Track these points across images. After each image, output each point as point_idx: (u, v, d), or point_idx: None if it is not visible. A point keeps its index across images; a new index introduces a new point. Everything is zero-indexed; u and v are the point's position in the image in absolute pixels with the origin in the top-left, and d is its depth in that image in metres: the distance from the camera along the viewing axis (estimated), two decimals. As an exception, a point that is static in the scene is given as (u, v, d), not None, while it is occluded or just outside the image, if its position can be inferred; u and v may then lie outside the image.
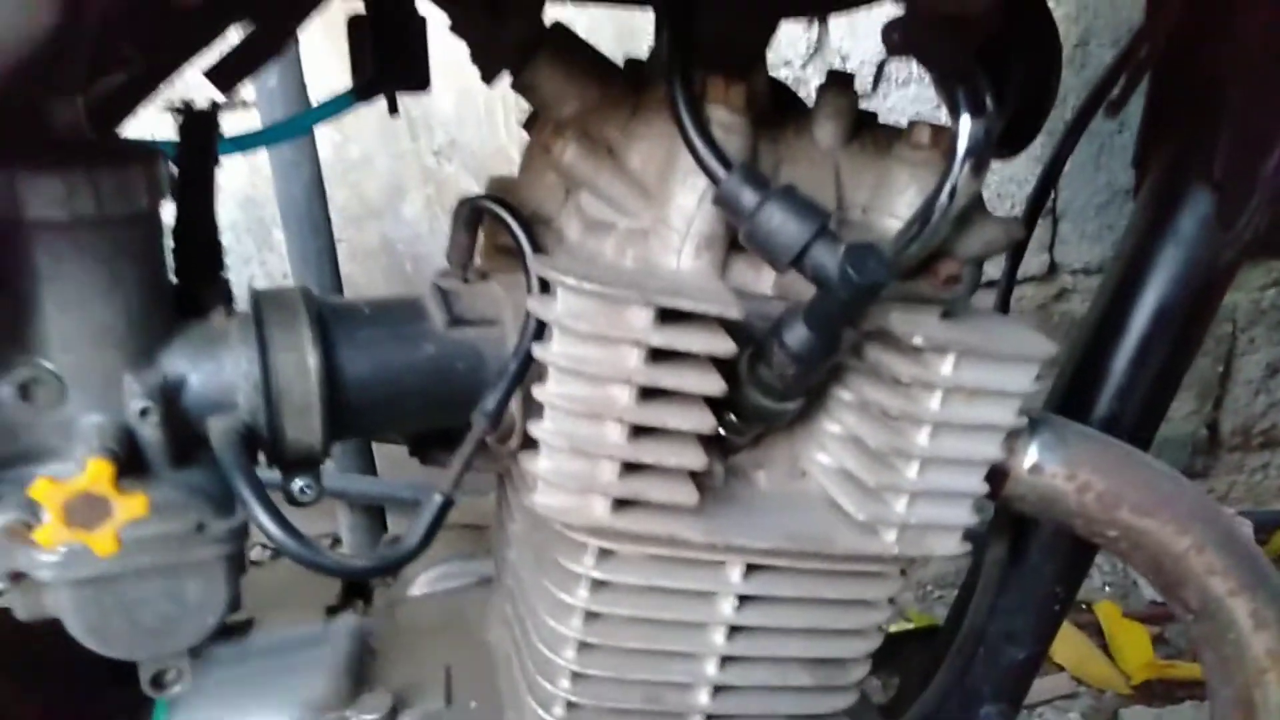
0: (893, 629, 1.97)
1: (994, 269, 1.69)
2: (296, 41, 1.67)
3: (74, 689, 0.75)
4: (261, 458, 0.61)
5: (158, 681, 0.56)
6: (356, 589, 0.91)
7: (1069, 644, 1.88)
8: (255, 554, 1.90)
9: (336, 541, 1.90)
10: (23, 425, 0.52)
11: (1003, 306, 0.92)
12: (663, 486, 0.59)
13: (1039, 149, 1.97)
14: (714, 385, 0.58)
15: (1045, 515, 0.70)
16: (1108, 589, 2.12)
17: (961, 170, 0.56)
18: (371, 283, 1.97)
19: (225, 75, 0.65)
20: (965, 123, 0.56)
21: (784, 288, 0.63)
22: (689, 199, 0.59)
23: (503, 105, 1.89)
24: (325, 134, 1.86)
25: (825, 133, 0.65)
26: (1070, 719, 1.83)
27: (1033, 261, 2.11)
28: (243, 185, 1.94)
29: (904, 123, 0.65)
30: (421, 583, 0.88)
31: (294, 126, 0.79)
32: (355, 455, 1.86)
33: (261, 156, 1.77)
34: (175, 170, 0.62)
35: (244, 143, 0.78)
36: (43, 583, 0.52)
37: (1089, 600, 2.04)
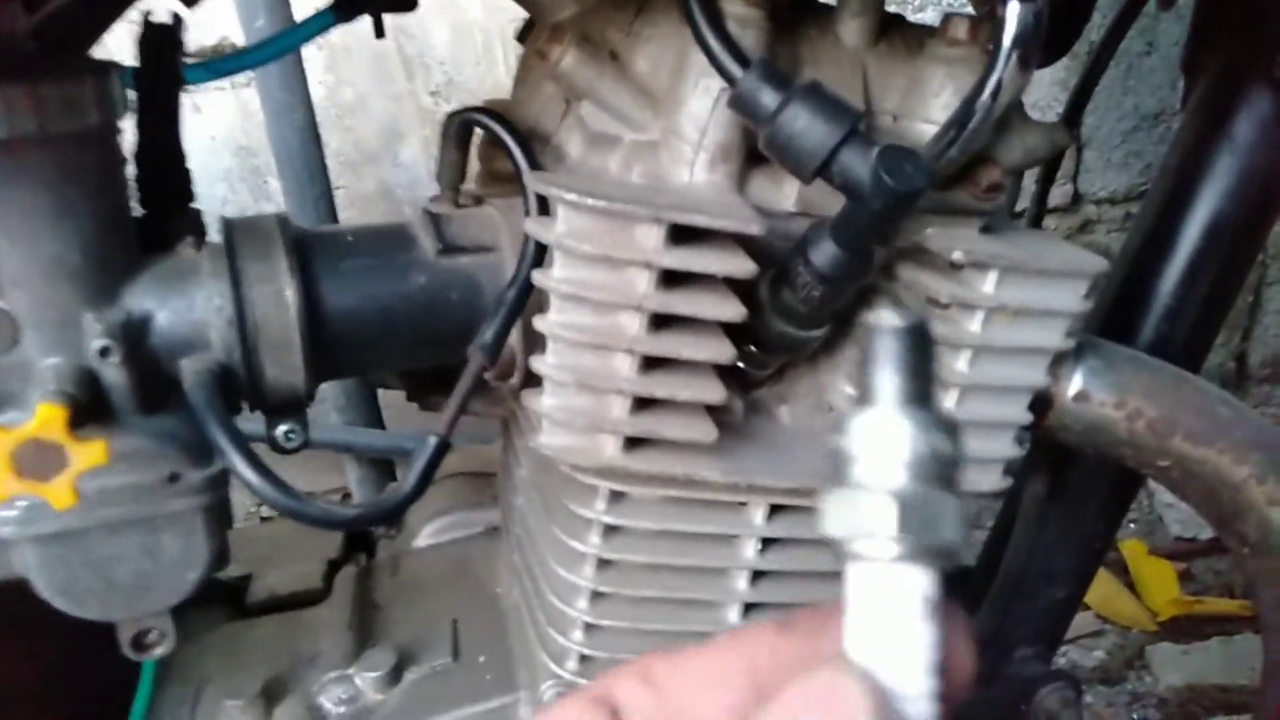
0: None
1: (1024, 198, 1.62)
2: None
3: (72, 649, 0.72)
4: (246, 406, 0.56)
5: (138, 643, 0.52)
6: (359, 542, 0.87)
7: (1094, 582, 1.85)
8: (266, 510, 1.88)
9: (346, 496, 1.88)
10: (-25, 370, 0.48)
11: (1037, 219, 0.86)
12: (678, 423, 0.54)
13: (1061, 71, 1.88)
14: (732, 310, 0.52)
15: (1091, 446, 0.65)
16: (1132, 525, 2.08)
17: (1008, 62, 0.50)
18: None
19: (187, -16, 0.59)
20: (1013, 7, 0.49)
21: (808, 203, 0.57)
22: (702, 104, 0.53)
23: (501, 41, 1.82)
24: (318, 76, 1.79)
25: (850, 31, 0.59)
26: (1096, 657, 1.81)
27: (1056, 192, 2.03)
28: (235, 133, 1.87)
29: (937, 22, 0.58)
30: (426, 534, 0.84)
31: (271, 48, 0.72)
32: (361, 408, 1.82)
33: (254, 102, 1.70)
34: (136, 92, 0.57)
35: (218, 67, 0.72)
36: (6, 540, 0.48)
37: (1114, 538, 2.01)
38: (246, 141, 1.87)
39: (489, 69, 1.83)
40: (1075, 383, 0.63)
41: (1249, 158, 0.71)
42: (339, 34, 1.89)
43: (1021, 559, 0.72)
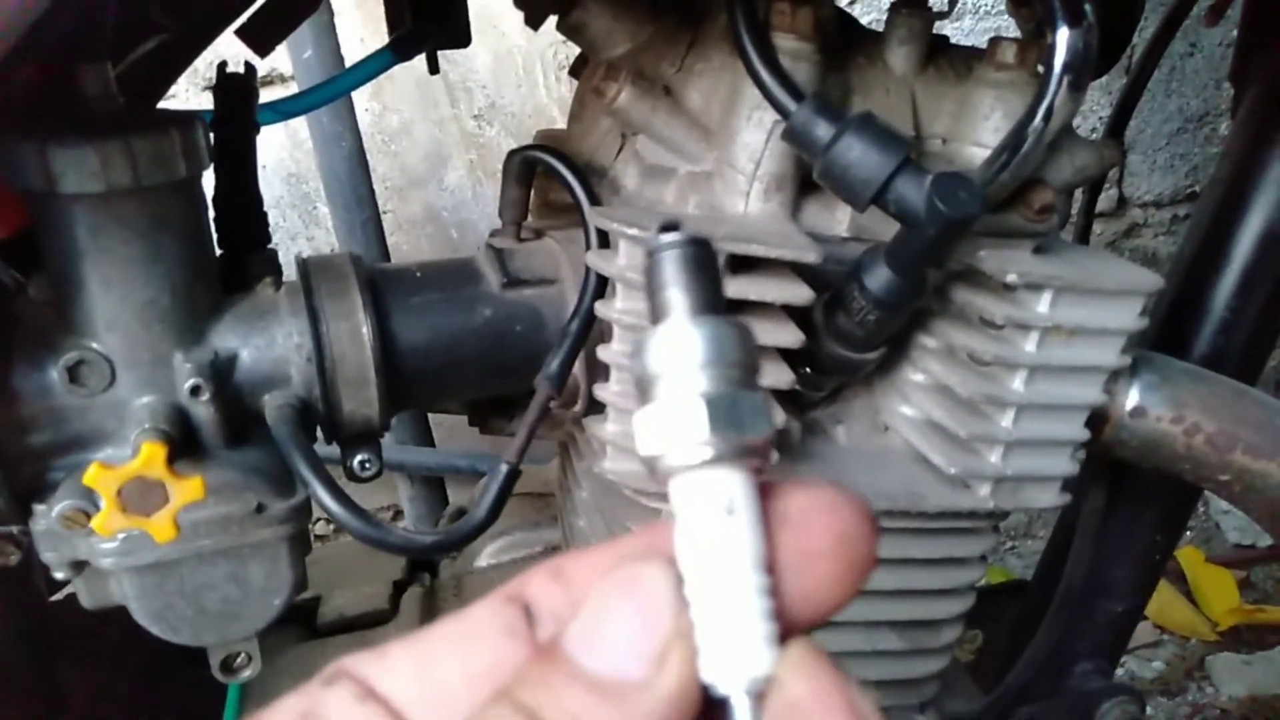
0: (984, 586, 1.93)
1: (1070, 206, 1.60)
2: (330, 10, 1.64)
3: (149, 674, 0.75)
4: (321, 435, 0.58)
5: (227, 666, 0.55)
6: (423, 563, 0.89)
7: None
8: (319, 528, 1.92)
9: (398, 514, 1.91)
10: (74, 410, 0.50)
11: (1082, 243, 0.86)
12: (740, 447, 0.56)
13: (1105, 76, 1.87)
14: (791, 336, 0.54)
15: (1149, 461, 0.65)
16: (1189, 533, 2.05)
17: (1059, 87, 0.51)
18: (418, 252, 1.95)
19: (259, 35, 0.62)
20: (1063, 33, 0.50)
21: (860, 228, 0.58)
22: (756, 136, 0.55)
23: (541, 64, 1.85)
24: (364, 104, 1.83)
25: (898, 58, 0.60)
26: (1155, 668, 1.78)
27: (1101, 197, 2.01)
28: (285, 160, 1.92)
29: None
30: (487, 554, 0.86)
31: (333, 88, 0.75)
32: (412, 427, 1.85)
33: (302, 131, 1.75)
34: (214, 139, 0.60)
35: (285, 109, 0.75)
36: (105, 570, 0.51)
37: (1169, 546, 1.97)
38: (296, 169, 1.92)
39: (530, 92, 1.87)
40: (1132, 398, 0.63)
41: (1302, 168, 0.70)
42: (385, 63, 1.93)
43: (1081, 573, 0.72)
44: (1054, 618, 0.70)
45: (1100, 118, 1.91)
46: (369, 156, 1.70)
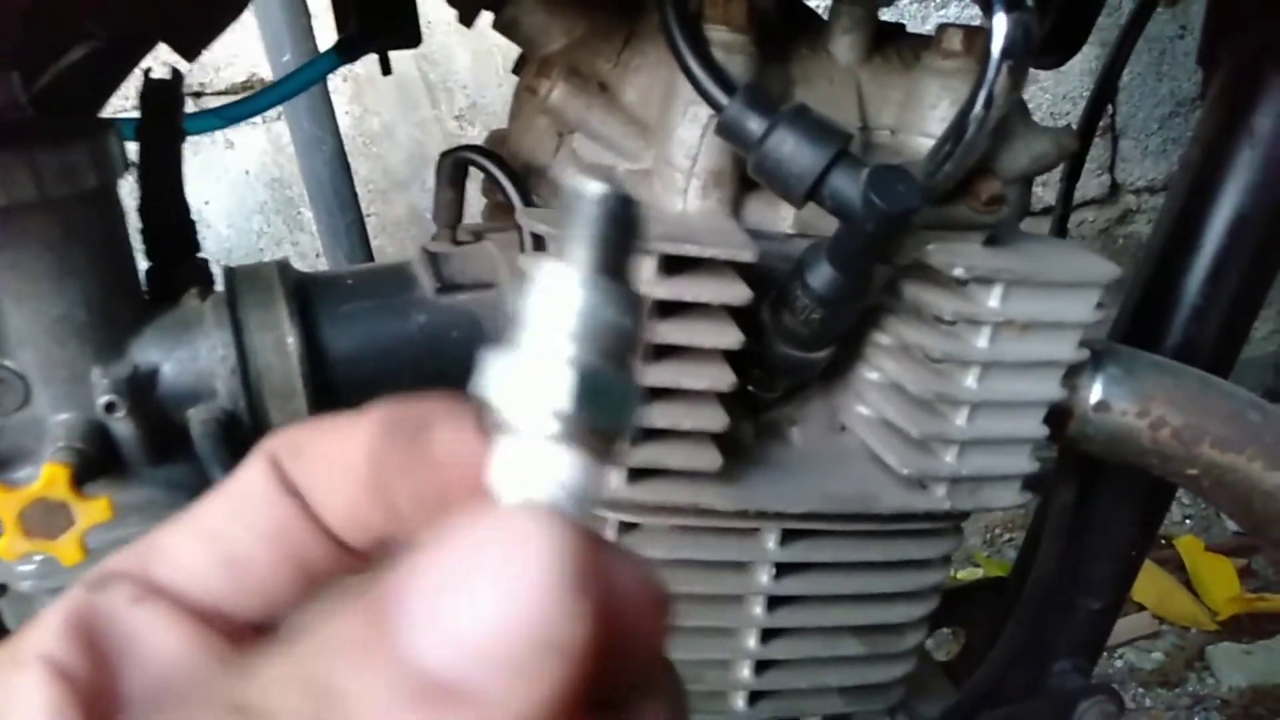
0: (961, 575, 1.91)
1: (1051, 194, 1.57)
2: (308, 13, 1.63)
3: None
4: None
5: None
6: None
7: (1150, 581, 1.80)
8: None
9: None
10: (-10, 429, 0.49)
11: (1059, 232, 0.84)
12: (682, 452, 0.54)
13: (1092, 61, 1.84)
14: (730, 338, 0.52)
15: (1115, 456, 0.64)
16: (1188, 522, 2.02)
17: (998, 73, 0.49)
18: (404, 255, 1.94)
19: (185, 40, 0.61)
20: (1000, 19, 0.48)
21: (806, 224, 0.57)
22: (691, 132, 0.53)
23: (522, 62, 1.83)
24: (344, 107, 1.82)
25: (842, 48, 0.58)
26: (1154, 659, 1.76)
27: (1093, 183, 1.99)
28: (268, 166, 1.91)
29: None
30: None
31: (278, 92, 0.74)
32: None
33: (284, 135, 1.74)
34: (139, 147, 0.58)
35: (229, 114, 0.73)
36: (26, 593, 0.49)
37: (1169, 535, 1.95)
38: (279, 174, 1.91)
39: (510, 90, 1.85)
40: (1095, 392, 0.61)
41: (1270, 151, 0.68)
42: (363, 65, 1.92)
43: (1051, 569, 0.70)
44: (1021, 613, 0.68)
45: (1083, 96, 1.88)
46: (351, 159, 1.68)
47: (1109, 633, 0.82)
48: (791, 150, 0.49)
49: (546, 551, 0.16)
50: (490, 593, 0.15)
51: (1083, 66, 1.87)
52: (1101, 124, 1.96)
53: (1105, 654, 1.75)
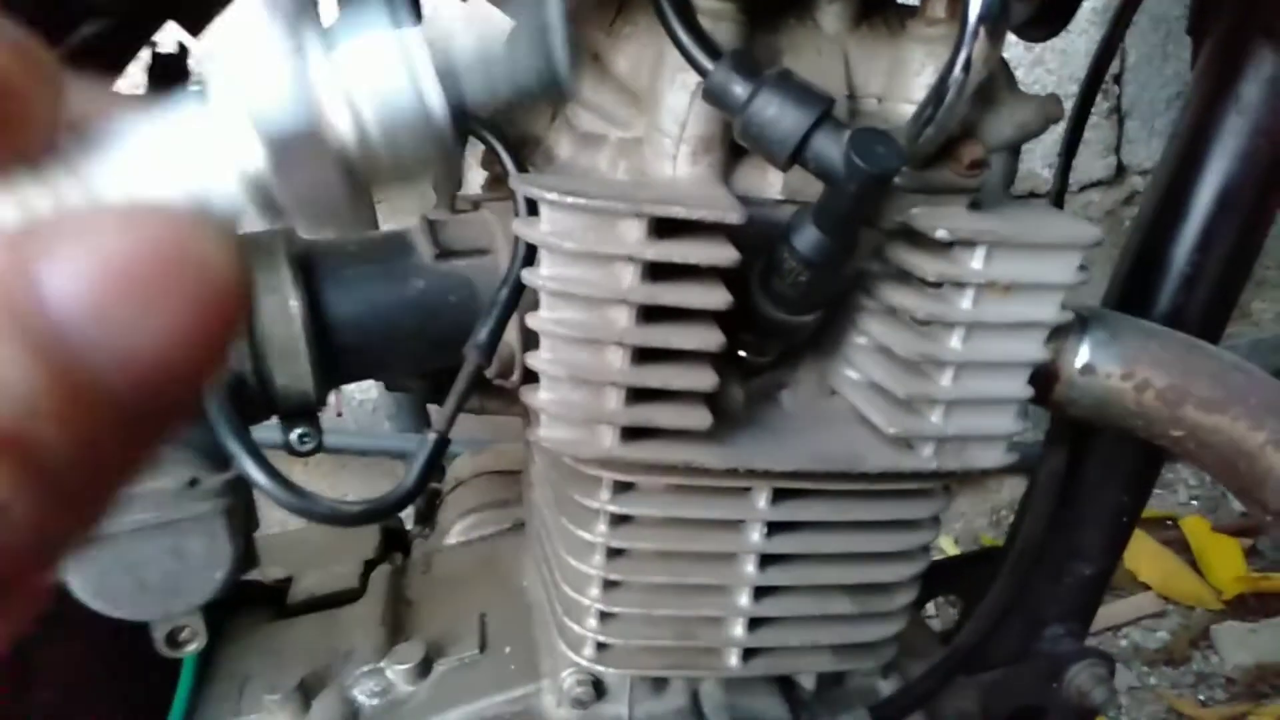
0: (963, 554, 1.91)
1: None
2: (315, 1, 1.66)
3: (124, 653, 0.75)
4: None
5: (172, 640, 0.56)
6: (396, 542, 0.90)
7: (1154, 561, 1.81)
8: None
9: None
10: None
11: (1060, 193, 0.85)
12: (673, 411, 0.56)
13: (1096, 43, 1.84)
14: (718, 298, 0.53)
15: (1102, 420, 0.65)
16: (1195, 503, 2.03)
17: (975, 37, 0.50)
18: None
19: (191, 16, 0.62)
20: (977, -18, 0.49)
21: (794, 190, 0.58)
22: (680, 98, 0.54)
23: (528, 47, 1.84)
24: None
25: (829, 17, 0.59)
26: (1159, 639, 1.77)
27: (1098, 164, 1.99)
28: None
29: None
30: (456, 531, 0.87)
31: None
32: (412, 415, 1.86)
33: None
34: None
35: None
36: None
37: (1175, 516, 1.95)
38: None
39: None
40: (1081, 355, 0.63)
41: (1258, 118, 0.69)
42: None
43: (1038, 534, 0.71)
44: (1007, 577, 0.69)
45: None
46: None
47: (1100, 598, 0.84)
48: (775, 114, 0.50)
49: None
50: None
51: (1088, 48, 1.87)
52: (1108, 105, 1.96)
53: (1110, 633, 1.76)
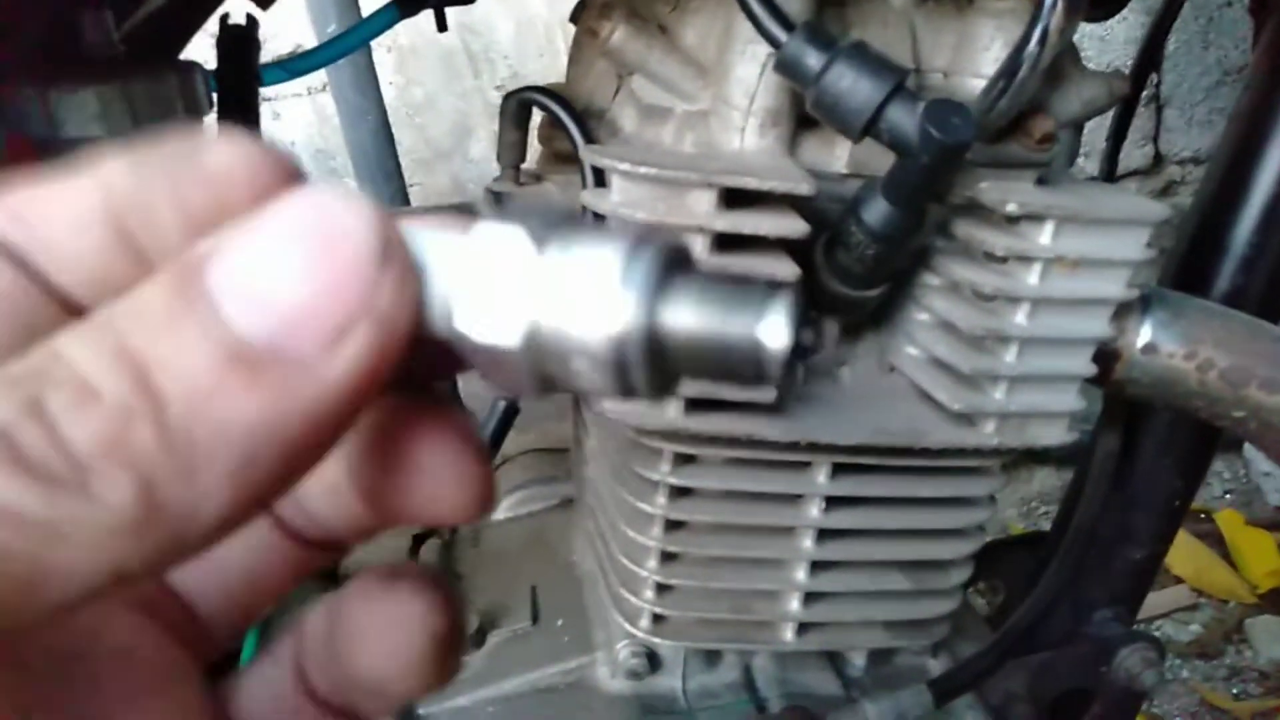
0: (1003, 538, 1.91)
1: (1093, 166, 1.57)
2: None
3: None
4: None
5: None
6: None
7: (1188, 554, 1.80)
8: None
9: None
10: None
11: (1108, 178, 0.84)
12: (738, 383, 0.56)
13: (1136, 30, 1.82)
14: (786, 270, 0.53)
15: (1162, 399, 0.64)
16: (1229, 496, 2.01)
17: (1053, 10, 0.50)
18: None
19: (261, -13, 0.63)
20: (1056, -47, 0.49)
21: (860, 164, 0.58)
22: (750, 70, 0.54)
23: (563, 32, 1.84)
24: (388, 77, 1.85)
25: (897, -9, 0.59)
26: (1192, 631, 1.75)
27: (1136, 153, 1.97)
28: (314, 137, 1.95)
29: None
30: (505, 507, 0.87)
31: (340, 46, 0.76)
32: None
33: (329, 107, 1.77)
34: (216, 90, 0.61)
35: (294, 67, 0.76)
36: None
37: (1209, 509, 1.94)
38: (324, 145, 1.94)
39: (552, 60, 1.87)
40: (1143, 335, 0.62)
41: (1323, 97, 0.68)
42: (406, 35, 1.95)
43: (1093, 517, 0.71)
44: (1061, 559, 0.69)
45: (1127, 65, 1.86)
46: (395, 130, 1.71)
47: (1150, 582, 0.83)
48: (850, 85, 0.50)
49: (358, 226, 0.16)
50: (304, 261, 0.16)
51: (1127, 35, 1.85)
52: (1146, 94, 1.94)
53: (1143, 625, 1.75)
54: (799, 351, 0.17)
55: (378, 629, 0.22)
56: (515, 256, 0.17)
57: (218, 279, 0.16)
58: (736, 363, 0.17)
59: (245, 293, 0.16)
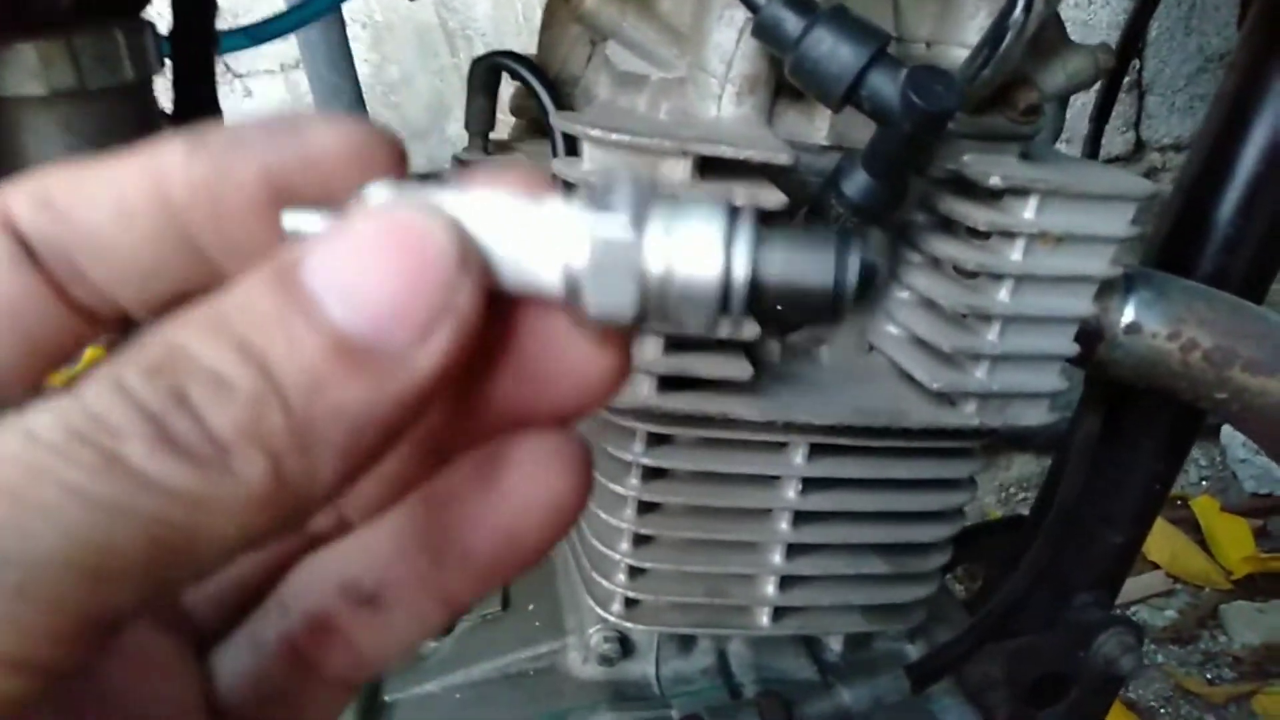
0: (981, 522, 1.91)
1: (1075, 150, 1.56)
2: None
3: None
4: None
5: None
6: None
7: (1164, 540, 1.80)
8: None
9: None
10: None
11: (1092, 155, 0.83)
12: (712, 361, 0.54)
13: (1120, 14, 1.81)
14: (773, 198, 0.51)
15: (1145, 380, 0.63)
16: (1205, 483, 2.02)
17: (1040, -27, 0.48)
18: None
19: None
20: (1043, -85, 0.47)
21: (840, 136, 0.56)
22: (727, 36, 0.53)
23: (540, 8, 1.81)
24: (362, 55, 1.81)
25: (880, -44, 0.57)
26: (1167, 617, 1.76)
27: (1117, 140, 1.97)
28: (287, 115, 1.91)
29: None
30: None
31: (307, 10, 0.74)
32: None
33: (302, 84, 1.74)
34: (171, 50, 0.58)
35: (257, 33, 0.73)
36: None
37: (1185, 496, 1.95)
38: (298, 124, 1.91)
39: (530, 38, 1.82)
40: (1126, 314, 0.61)
41: (1310, 76, 0.67)
42: (381, 12, 1.91)
43: (1073, 500, 0.70)
44: (1042, 542, 0.68)
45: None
46: (370, 108, 1.68)
47: (1130, 567, 0.83)
48: (829, 50, 0.48)
49: (442, 236, 0.18)
50: (396, 266, 0.18)
51: (1110, 20, 1.84)
52: (1128, 80, 1.94)
53: (1119, 610, 1.75)
54: (865, 285, 0.20)
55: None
56: (622, 239, 0.19)
57: (317, 280, 0.18)
58: (818, 299, 0.20)
59: (343, 292, 0.18)
